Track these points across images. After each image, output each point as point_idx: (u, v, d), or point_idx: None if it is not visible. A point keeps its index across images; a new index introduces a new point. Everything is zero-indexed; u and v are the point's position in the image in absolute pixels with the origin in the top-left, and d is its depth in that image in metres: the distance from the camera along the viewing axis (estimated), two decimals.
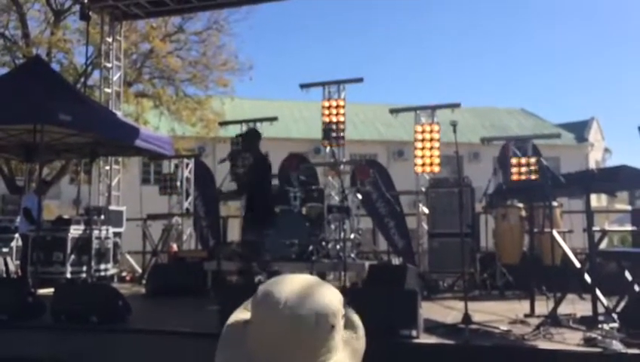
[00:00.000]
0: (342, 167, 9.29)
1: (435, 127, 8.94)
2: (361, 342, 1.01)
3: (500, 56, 56.73)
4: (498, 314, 5.61)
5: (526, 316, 5.33)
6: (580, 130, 30.12)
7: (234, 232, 11.03)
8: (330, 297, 0.95)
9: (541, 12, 58.81)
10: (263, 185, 6.80)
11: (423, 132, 8.99)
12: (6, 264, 9.13)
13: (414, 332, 4.39)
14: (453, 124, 4.95)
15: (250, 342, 0.95)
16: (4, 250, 9.29)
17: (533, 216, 6.16)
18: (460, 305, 5.92)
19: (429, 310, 5.71)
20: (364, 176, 9.11)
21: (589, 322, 4.56)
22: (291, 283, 0.96)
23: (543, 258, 6.72)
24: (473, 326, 4.69)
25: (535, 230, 6.16)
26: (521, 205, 7.56)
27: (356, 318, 1.04)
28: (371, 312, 4.39)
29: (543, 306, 5.12)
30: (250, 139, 6.85)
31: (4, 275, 8.97)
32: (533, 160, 8.18)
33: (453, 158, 5.24)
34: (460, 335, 4.53)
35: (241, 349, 0.95)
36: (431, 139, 8.90)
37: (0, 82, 9.57)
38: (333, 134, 9.58)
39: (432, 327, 4.85)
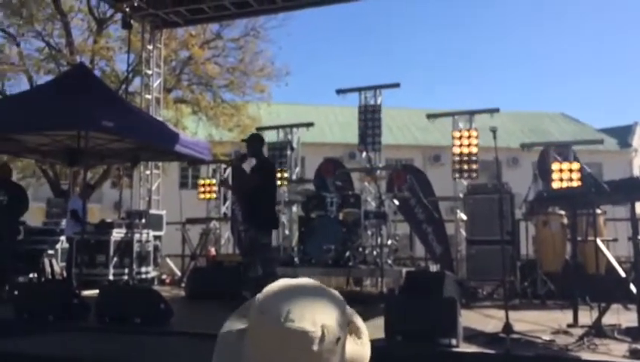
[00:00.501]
0: (378, 172, 9.27)
1: (474, 133, 8.84)
2: (366, 349, 0.96)
3: (540, 60, 55.72)
4: (540, 323, 5.50)
5: (569, 326, 5.21)
6: (623, 135, 29.27)
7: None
8: (336, 307, 0.89)
9: (582, 15, 57.56)
10: (267, 188, 6.74)
11: (460, 137, 8.90)
12: (52, 266, 9.39)
13: (454, 341, 4.34)
14: (493, 130, 4.88)
15: (247, 355, 0.88)
16: (50, 252, 9.55)
17: (575, 224, 6.02)
18: (500, 313, 5.83)
19: (468, 318, 5.63)
20: (401, 181, 9.07)
21: (634, 333, 4.44)
22: (292, 293, 0.89)
23: (587, 266, 6.58)
24: (514, 336, 4.60)
25: (578, 238, 6.03)
26: (562, 212, 7.40)
27: (361, 323, 0.98)
28: (410, 320, 4.41)
29: (586, 316, 5.00)
30: (253, 144, 6.86)
31: (50, 277, 9.23)
32: (575, 166, 8.00)
33: (491, 164, 5.17)
34: (500, 344, 4.46)
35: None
36: (469, 145, 8.80)
37: (45, 89, 9.91)
38: (369, 139, 9.56)
39: (472, 336, 4.78)
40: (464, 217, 8.62)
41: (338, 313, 0.88)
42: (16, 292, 7.55)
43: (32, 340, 4.74)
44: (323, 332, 0.84)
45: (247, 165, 7.07)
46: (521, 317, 5.53)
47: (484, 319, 5.93)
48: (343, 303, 0.92)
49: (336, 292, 0.93)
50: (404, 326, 4.37)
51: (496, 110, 8.81)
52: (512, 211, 8.06)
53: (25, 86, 16.11)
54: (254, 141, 6.89)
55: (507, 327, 4.60)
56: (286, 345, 0.83)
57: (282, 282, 0.93)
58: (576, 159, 8.39)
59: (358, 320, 0.98)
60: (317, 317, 0.85)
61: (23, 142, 9.52)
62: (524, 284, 7.58)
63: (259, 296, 0.90)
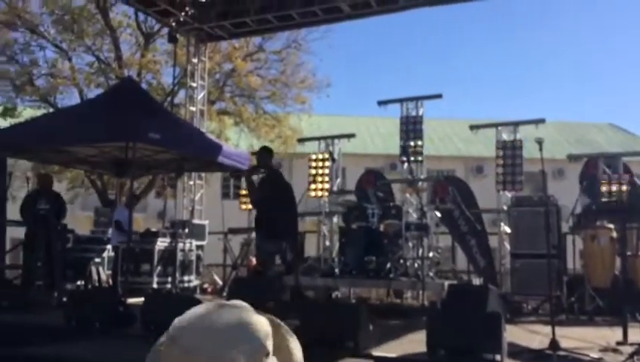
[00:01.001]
0: (420, 183, 9.19)
1: (518, 144, 8.68)
2: None
3: (586, 69, 54.36)
4: (587, 340, 5.33)
5: (618, 344, 5.03)
6: None
7: (311, 247, 11.14)
8: (251, 335, 0.88)
9: (627, 25, 55.95)
10: (278, 199, 6.87)
11: (504, 148, 8.75)
12: (98, 273, 9.63)
13: (498, 357, 4.25)
14: (539, 142, 4.79)
15: None
16: (97, 260, 9.81)
17: (625, 238, 5.84)
18: (546, 329, 5.68)
19: (513, 334, 5.50)
20: (444, 193, 8.97)
21: None
22: (206, 323, 0.88)
23: (637, 282, 6.35)
24: (561, 353, 4.49)
25: (628, 252, 5.84)
26: (611, 226, 7.18)
27: (296, 350, 0.97)
28: (453, 334, 4.34)
29: (636, 334, 4.83)
30: (262, 156, 7.14)
31: (97, 284, 9.48)
32: (625, 178, 7.76)
33: (535, 175, 5.08)
34: (547, 361, 4.35)
35: None
36: (513, 156, 8.64)
37: (95, 102, 10.26)
38: (411, 150, 9.51)
39: (517, 352, 4.67)
40: (508, 230, 8.45)
41: (252, 345, 0.87)
42: (64, 299, 7.82)
43: (80, 346, 4.88)
44: None
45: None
46: (567, 334, 5.37)
47: (530, 335, 5.78)
48: (264, 329, 0.90)
49: (260, 321, 0.91)
50: (448, 340, 4.31)
51: (542, 121, 8.63)
52: (558, 224, 7.86)
53: (76, 99, 16.71)
54: (263, 154, 7.24)
55: (554, 344, 4.49)
56: None
57: (200, 309, 0.92)
58: (626, 170, 8.14)
59: (294, 348, 0.97)
60: (224, 351, 0.85)
61: (73, 153, 9.86)
62: (570, 300, 7.37)
63: (175, 320, 0.91)
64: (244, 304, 0.94)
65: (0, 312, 6.45)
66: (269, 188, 6.96)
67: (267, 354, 0.89)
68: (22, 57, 16.94)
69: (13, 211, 9.18)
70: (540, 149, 4.78)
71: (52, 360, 4.25)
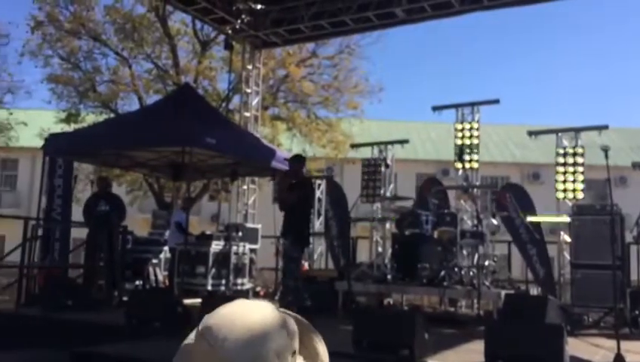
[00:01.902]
0: (475, 190, 9.03)
1: (580, 150, 8.40)
2: None
3: None
4: None
5: None
6: None
7: (364, 253, 11.10)
8: (276, 333, 0.88)
9: None
10: (304, 206, 7.24)
11: (565, 155, 8.48)
12: (155, 274, 9.91)
13: None
14: (605, 149, 4.62)
15: None
16: (154, 261, 10.09)
17: None
18: (609, 343, 5.48)
19: (574, 347, 5.31)
20: (503, 200, 8.78)
21: None
22: (236, 319, 0.89)
23: None
24: None
25: None
26: None
27: (322, 349, 0.96)
28: (513, 345, 4.24)
29: None
30: (294, 163, 7.43)
31: (154, 284, 9.74)
32: None
33: (596, 183, 4.92)
34: None
35: None
36: (574, 163, 8.36)
37: (154, 108, 10.58)
38: (466, 157, 9.35)
39: None
40: (568, 239, 8.18)
41: (277, 342, 0.88)
42: (124, 298, 8.07)
43: (142, 346, 5.02)
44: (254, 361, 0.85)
45: None
46: (632, 348, 5.16)
47: (591, 348, 5.59)
48: (291, 331, 0.90)
49: (288, 320, 0.92)
50: (507, 351, 4.21)
51: (605, 127, 8.33)
52: (622, 234, 7.57)
53: (135, 105, 17.28)
54: (295, 161, 7.49)
55: (619, 358, 4.32)
56: None
57: (231, 306, 0.93)
58: None
59: (320, 347, 0.96)
60: (252, 346, 0.85)
61: (133, 157, 10.18)
62: (634, 312, 7.06)
63: (205, 317, 0.92)
64: (271, 304, 0.96)
65: (65, 311, 6.69)
66: (301, 196, 7.18)
67: (294, 353, 0.90)
68: (85, 64, 17.67)
69: (77, 212, 9.55)
70: (606, 157, 4.61)
71: (120, 359, 4.39)
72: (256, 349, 0.86)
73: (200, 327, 0.90)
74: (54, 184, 9.28)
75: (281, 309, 0.96)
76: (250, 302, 0.94)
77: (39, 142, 10.27)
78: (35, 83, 43.04)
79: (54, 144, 9.02)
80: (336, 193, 11.18)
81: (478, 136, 9.42)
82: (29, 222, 8.50)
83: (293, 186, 7.31)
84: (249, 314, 0.91)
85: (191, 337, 0.95)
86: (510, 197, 8.88)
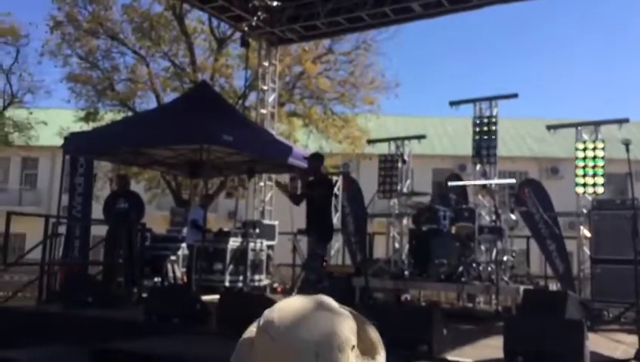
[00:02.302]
0: (493, 186, 8.95)
1: (600, 145, 8.28)
2: None
3: None
4: None
5: None
6: None
7: (381, 249, 11.08)
8: (337, 327, 0.89)
9: None
10: (328, 203, 7.47)
11: (585, 149, 8.37)
12: (174, 271, 9.99)
13: None
14: (626, 143, 4.56)
15: None
16: (173, 258, 10.17)
17: None
18: (630, 338, 5.42)
19: (594, 342, 5.25)
20: (522, 196, 8.71)
21: None
22: (296, 310, 0.90)
23: None
24: None
25: None
26: None
27: (378, 343, 0.96)
28: (532, 341, 4.20)
29: None
30: (313, 161, 7.56)
31: (172, 281, 9.82)
32: None
33: (615, 177, 4.85)
34: None
35: None
36: (594, 157, 8.25)
37: (171, 106, 10.65)
38: (484, 152, 9.27)
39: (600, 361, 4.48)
40: (588, 234, 8.08)
41: (339, 336, 0.88)
42: (144, 295, 8.15)
43: (162, 341, 5.07)
44: (317, 353, 0.85)
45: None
46: None
47: (612, 344, 5.52)
48: (350, 324, 0.91)
49: (346, 313, 0.93)
50: (526, 347, 4.17)
51: (626, 120, 8.20)
52: None
53: (153, 103, 17.42)
54: (314, 159, 7.60)
55: None
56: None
57: (290, 300, 0.94)
58: None
59: (376, 341, 0.97)
60: (314, 339, 0.86)
61: (151, 155, 10.27)
62: None
63: (266, 311, 0.92)
64: (329, 298, 0.96)
65: (85, 307, 6.78)
66: (326, 193, 7.33)
67: (353, 347, 0.91)
68: (103, 63, 17.87)
69: (96, 210, 9.66)
70: (627, 151, 4.55)
71: (139, 355, 4.44)
72: (319, 342, 0.87)
73: (261, 321, 0.91)
74: (75, 182, 9.39)
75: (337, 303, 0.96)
76: (309, 297, 0.95)
77: (59, 141, 10.41)
78: (54, 82, 43.64)
79: (74, 143, 9.13)
80: (353, 189, 11.16)
81: (496, 131, 9.33)
82: (50, 219, 8.62)
83: (313, 184, 7.35)
84: (309, 308, 0.92)
85: (250, 331, 0.96)
86: (529, 192, 8.80)
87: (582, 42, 53.16)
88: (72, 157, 9.34)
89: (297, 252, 11.07)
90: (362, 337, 0.95)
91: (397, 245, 10.08)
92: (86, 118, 17.75)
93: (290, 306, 0.92)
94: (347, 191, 11.07)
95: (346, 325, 0.91)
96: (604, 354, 4.82)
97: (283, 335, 0.87)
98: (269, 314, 0.92)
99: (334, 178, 11.46)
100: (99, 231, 10.22)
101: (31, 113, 20.60)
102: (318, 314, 0.90)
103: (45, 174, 28.47)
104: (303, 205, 7.46)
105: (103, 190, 15.42)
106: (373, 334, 0.97)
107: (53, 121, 20.46)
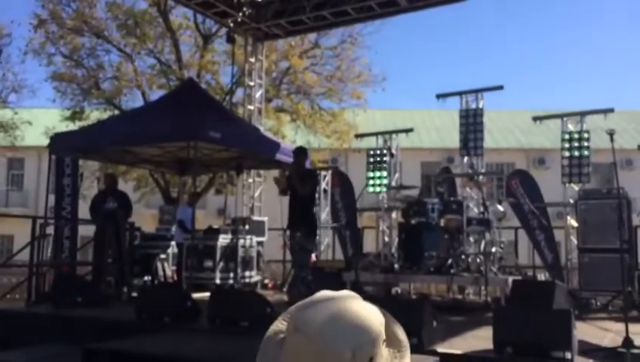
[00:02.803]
0: (480, 177, 9.00)
1: (585, 135, 8.36)
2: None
3: None
4: None
5: None
6: None
7: (371, 243, 11.12)
8: (370, 323, 0.88)
9: None
10: (313, 198, 7.55)
11: (570, 140, 8.44)
12: (164, 269, 9.96)
13: (568, 355, 4.13)
14: (611, 133, 4.60)
15: None
16: (162, 256, 10.14)
17: None
18: (617, 326, 5.49)
19: (582, 331, 5.31)
20: (512, 187, 8.78)
21: None
22: (328, 310, 0.89)
23: None
24: (635, 351, 4.31)
25: None
26: None
27: (402, 335, 0.96)
28: (521, 331, 4.25)
29: None
30: (298, 156, 7.63)
31: (162, 279, 9.80)
32: None
33: (601, 166, 4.91)
34: (620, 359, 4.19)
35: None
36: (580, 148, 8.33)
37: (158, 104, 10.59)
38: (471, 144, 9.32)
39: (588, 350, 4.53)
40: (575, 224, 8.17)
41: (373, 331, 0.87)
42: (134, 294, 8.13)
43: (153, 340, 5.06)
44: (354, 353, 0.84)
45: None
46: None
47: (600, 332, 5.59)
48: (379, 318, 0.91)
49: (373, 307, 0.92)
50: (515, 337, 4.22)
51: (611, 110, 8.27)
52: (629, 217, 7.55)
53: (139, 101, 17.31)
54: (299, 153, 7.67)
55: (627, 341, 4.32)
56: None
57: (319, 296, 0.93)
58: None
59: (400, 333, 0.96)
60: (350, 337, 0.85)
61: (138, 153, 10.22)
62: None
63: (295, 310, 0.91)
64: (355, 294, 0.96)
65: (75, 308, 6.75)
66: (312, 187, 7.42)
67: (384, 341, 0.91)
68: (88, 61, 17.72)
69: (83, 210, 9.60)
70: (612, 141, 4.59)
71: (131, 354, 4.43)
72: (355, 338, 0.86)
73: (294, 320, 0.90)
74: (63, 183, 9.32)
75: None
76: (335, 293, 0.94)
77: (45, 141, 10.33)
78: (39, 81, 43.20)
79: (60, 143, 9.06)
80: (344, 183, 11.18)
81: (482, 123, 9.38)
82: (37, 220, 8.55)
83: (298, 177, 7.33)
84: (341, 304, 0.90)
85: (275, 330, 0.95)
86: (517, 183, 8.86)
87: (567, 33, 53.48)
88: (57, 158, 9.26)
89: (288, 247, 11.08)
90: (388, 332, 0.94)
91: (387, 239, 10.11)
92: (72, 117, 17.61)
93: (319, 303, 0.91)
94: (339, 186, 11.08)
95: (377, 319, 0.90)
96: (592, 342, 4.88)
97: (319, 334, 0.85)
98: (302, 312, 0.90)
99: (323, 173, 11.48)
100: (87, 231, 10.16)
101: (16, 113, 20.38)
102: (350, 309, 0.89)
103: (32, 175, 28.22)
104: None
105: (90, 189, 15.32)
106: (397, 328, 0.98)
107: (39, 120, 20.28)
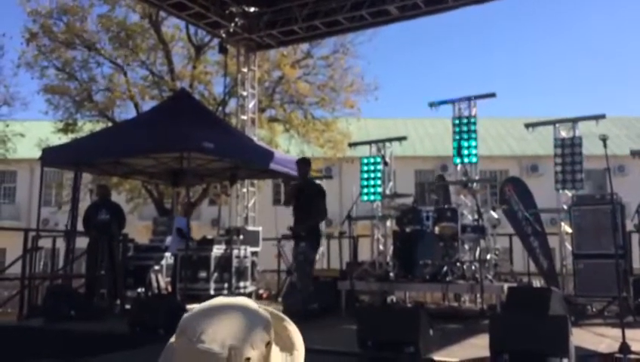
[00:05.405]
0: (475, 185, 9.01)
1: (577, 141, 8.39)
2: None
3: None
4: None
5: None
6: None
7: (365, 252, 11.09)
8: (251, 326, 0.94)
9: None
10: (310, 208, 7.37)
11: (563, 146, 8.47)
12: (158, 281, 9.88)
13: (565, 361, 4.12)
14: (603, 139, 4.62)
15: None
16: (156, 267, 10.06)
17: None
18: (613, 332, 5.47)
19: (578, 337, 5.30)
20: (505, 194, 8.78)
21: None
22: (212, 314, 0.95)
23: None
24: (632, 356, 4.30)
25: None
26: None
27: (297, 338, 1.02)
28: (518, 338, 4.23)
29: None
30: (302, 167, 7.65)
31: (157, 291, 9.72)
32: None
33: (594, 172, 4.92)
34: None
35: None
36: (572, 154, 8.35)
37: (151, 115, 10.56)
38: (465, 152, 9.33)
39: (585, 356, 4.51)
40: (569, 230, 8.18)
41: (253, 333, 0.94)
42: (127, 306, 8.05)
43: (146, 353, 5.00)
44: (230, 353, 0.90)
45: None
46: (636, 336, 5.12)
47: (596, 338, 5.58)
48: (264, 323, 0.97)
49: (262, 312, 0.99)
50: (512, 344, 4.20)
51: (602, 116, 8.31)
52: (622, 223, 7.56)
53: (132, 112, 17.26)
54: (303, 164, 7.67)
55: (624, 347, 4.31)
56: None
57: (208, 302, 0.99)
58: None
59: (294, 336, 1.03)
60: (227, 338, 0.91)
61: (131, 164, 10.17)
62: (638, 301, 7.05)
63: (185, 315, 0.98)
64: (247, 299, 1.03)
65: (67, 321, 6.68)
66: (308, 198, 7.35)
67: (268, 343, 0.96)
68: (81, 74, 17.67)
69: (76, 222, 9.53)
70: (605, 146, 4.60)
71: None
72: (232, 341, 0.92)
73: (180, 325, 0.97)
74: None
75: (255, 302, 1.03)
76: (226, 299, 1.01)
77: (37, 153, 10.26)
78: (31, 94, 43.06)
79: (51, 156, 9.02)
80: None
81: (475, 131, 9.40)
82: (29, 233, 8.48)
83: (303, 188, 7.44)
84: (225, 309, 0.97)
85: (174, 336, 1.01)
86: (511, 190, 8.87)
87: (558, 39, 53.91)
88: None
89: (282, 257, 11.03)
90: (282, 334, 1.01)
91: (381, 247, 10.09)
92: (65, 130, 17.53)
93: (206, 309, 0.97)
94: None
95: (260, 323, 0.96)
96: (589, 349, 4.86)
97: (199, 337, 0.92)
98: (187, 317, 0.96)
99: (317, 181, 11.45)
100: (80, 243, 10.08)
101: (7, 125, 20.27)
102: (233, 314, 0.95)
103: (24, 187, 28.06)
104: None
105: (82, 201, 15.20)
106: (292, 332, 1.04)
107: (31, 132, 20.17)
